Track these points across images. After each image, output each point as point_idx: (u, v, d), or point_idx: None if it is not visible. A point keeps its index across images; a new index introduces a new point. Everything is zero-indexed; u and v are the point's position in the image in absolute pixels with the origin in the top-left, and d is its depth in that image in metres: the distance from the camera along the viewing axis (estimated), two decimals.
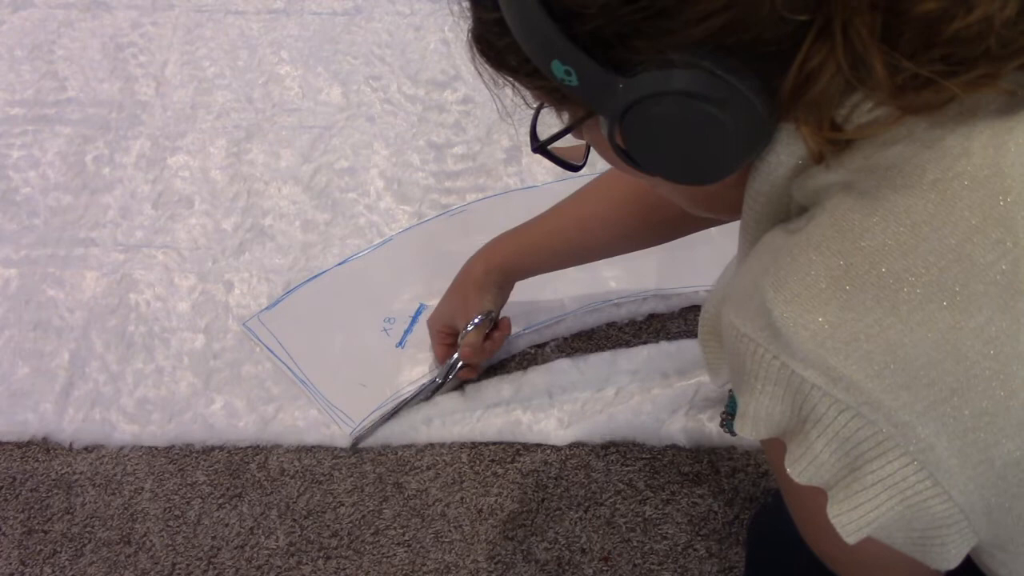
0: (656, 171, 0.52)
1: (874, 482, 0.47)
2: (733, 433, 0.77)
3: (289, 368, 1.07)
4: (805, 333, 0.46)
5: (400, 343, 1.09)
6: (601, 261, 1.14)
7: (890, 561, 0.56)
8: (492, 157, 1.27)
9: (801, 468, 0.49)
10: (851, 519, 0.49)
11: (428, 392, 1.03)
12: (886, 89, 0.44)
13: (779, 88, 0.46)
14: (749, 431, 0.51)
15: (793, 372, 0.47)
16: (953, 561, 0.51)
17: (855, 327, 0.46)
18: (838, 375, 0.46)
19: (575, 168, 0.61)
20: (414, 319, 1.11)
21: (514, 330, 1.08)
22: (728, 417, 0.79)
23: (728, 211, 0.59)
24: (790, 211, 0.53)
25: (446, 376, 1.02)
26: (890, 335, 0.45)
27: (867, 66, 0.43)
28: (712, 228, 1.17)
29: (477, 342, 0.99)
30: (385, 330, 1.10)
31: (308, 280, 1.15)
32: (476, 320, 0.99)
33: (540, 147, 0.58)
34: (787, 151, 0.49)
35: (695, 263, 1.13)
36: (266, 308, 1.12)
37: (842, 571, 0.62)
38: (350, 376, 1.06)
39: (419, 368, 1.07)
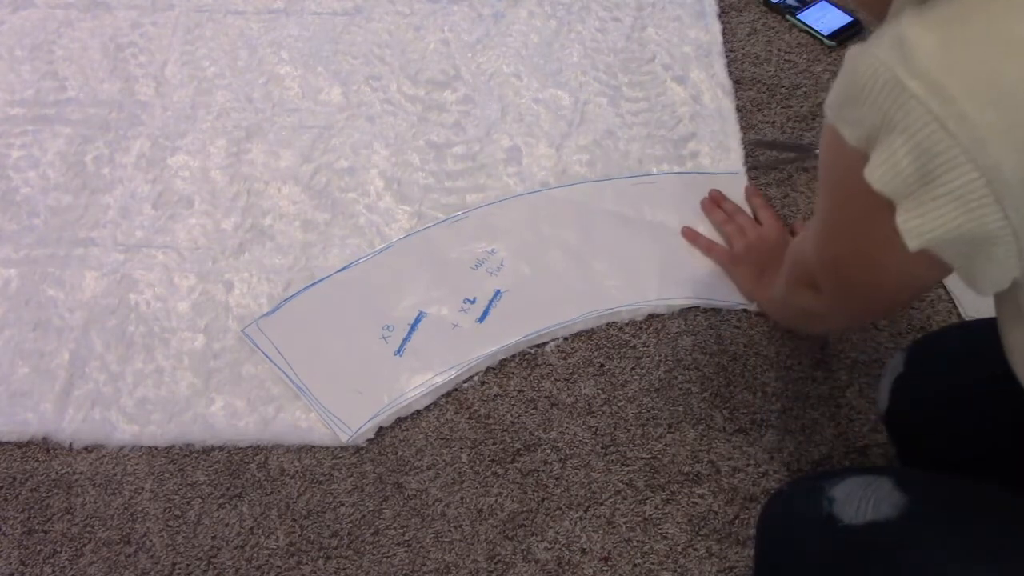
0: None
1: (943, 194, 0.54)
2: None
3: (287, 374, 1.06)
4: (924, 44, 0.53)
5: (398, 351, 1.08)
6: (603, 270, 1.14)
7: (894, 290, 0.67)
8: (492, 157, 1.27)
9: (880, 173, 0.57)
10: (917, 226, 0.56)
11: None
12: None
13: None
14: (849, 132, 0.59)
15: (899, 81, 0.54)
16: (991, 286, 0.59)
17: (964, 50, 0.52)
18: (939, 87, 0.52)
19: None
20: (413, 327, 1.10)
21: (515, 338, 1.09)
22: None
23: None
24: None
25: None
26: (992, 55, 0.52)
27: None
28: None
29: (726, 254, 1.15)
30: (384, 338, 1.10)
31: (307, 287, 1.14)
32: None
33: None
34: None
35: (694, 277, 1.14)
36: (264, 315, 1.12)
37: (838, 282, 0.73)
38: (347, 383, 1.06)
39: (417, 376, 1.06)
